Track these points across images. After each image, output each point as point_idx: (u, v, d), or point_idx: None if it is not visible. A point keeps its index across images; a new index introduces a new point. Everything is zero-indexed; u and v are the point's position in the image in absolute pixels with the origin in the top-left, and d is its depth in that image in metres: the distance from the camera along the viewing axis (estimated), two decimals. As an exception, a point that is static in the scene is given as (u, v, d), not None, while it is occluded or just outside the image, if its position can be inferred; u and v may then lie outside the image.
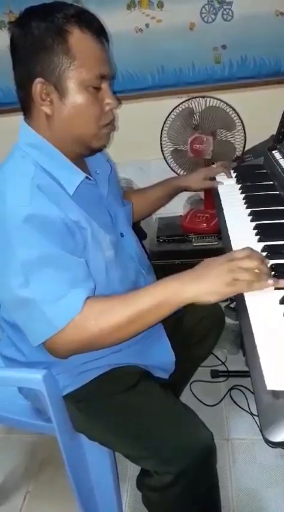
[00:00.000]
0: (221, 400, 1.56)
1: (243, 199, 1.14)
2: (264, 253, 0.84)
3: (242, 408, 1.51)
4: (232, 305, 1.69)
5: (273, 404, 0.54)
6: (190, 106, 1.66)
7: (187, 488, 0.85)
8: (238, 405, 1.52)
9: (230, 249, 0.89)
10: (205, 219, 1.76)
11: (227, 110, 1.62)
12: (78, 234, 0.84)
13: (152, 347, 1.02)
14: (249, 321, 0.68)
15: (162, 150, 1.75)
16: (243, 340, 0.67)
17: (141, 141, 1.84)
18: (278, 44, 1.70)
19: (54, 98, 0.82)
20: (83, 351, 0.84)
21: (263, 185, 1.22)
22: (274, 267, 0.79)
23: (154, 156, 1.82)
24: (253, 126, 1.65)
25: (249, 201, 1.11)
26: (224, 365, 1.68)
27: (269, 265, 0.79)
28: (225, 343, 1.72)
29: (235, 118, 1.62)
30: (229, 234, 0.98)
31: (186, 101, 1.66)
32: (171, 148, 1.74)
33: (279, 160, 1.27)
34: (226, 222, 1.04)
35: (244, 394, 1.55)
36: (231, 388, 1.58)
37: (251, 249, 0.77)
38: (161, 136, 1.72)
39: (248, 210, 1.06)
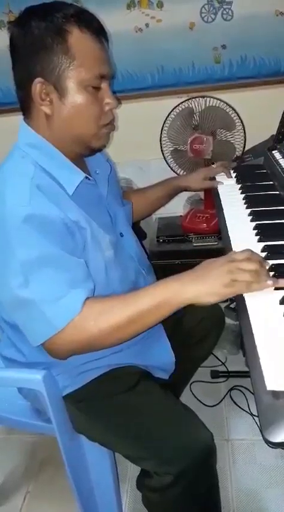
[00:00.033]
0: (221, 400, 1.55)
1: (243, 199, 1.14)
2: (264, 253, 0.84)
3: (242, 409, 1.50)
4: (232, 305, 1.69)
5: (273, 405, 0.54)
6: (190, 106, 1.66)
7: (187, 489, 0.85)
8: (238, 405, 1.52)
9: (230, 249, 0.89)
10: (205, 219, 1.76)
11: (227, 110, 1.62)
12: (78, 234, 0.83)
13: (152, 347, 1.02)
14: (249, 321, 0.68)
15: (161, 150, 1.75)
16: (243, 341, 0.67)
17: (140, 141, 1.84)
18: (278, 44, 1.70)
19: (54, 98, 0.82)
20: (83, 352, 0.84)
21: (263, 185, 1.22)
22: (274, 267, 0.78)
23: (154, 156, 1.82)
24: (253, 126, 1.64)
25: (249, 201, 1.11)
26: (224, 365, 1.68)
27: (269, 265, 0.79)
28: (225, 344, 1.72)
29: (235, 118, 1.62)
30: (229, 234, 0.98)
31: (185, 100, 1.66)
32: (171, 148, 1.74)
33: (279, 160, 1.27)
34: (226, 222, 1.04)
35: (244, 394, 1.55)
36: (231, 389, 1.58)
37: (251, 251, 0.77)
38: (161, 136, 1.72)
39: (248, 210, 1.06)
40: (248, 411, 1.49)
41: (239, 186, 1.23)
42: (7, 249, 0.76)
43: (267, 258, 0.83)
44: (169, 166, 1.77)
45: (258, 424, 1.36)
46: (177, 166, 1.77)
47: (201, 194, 1.86)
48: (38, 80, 0.80)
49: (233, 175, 1.32)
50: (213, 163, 1.42)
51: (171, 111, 1.67)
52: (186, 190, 1.32)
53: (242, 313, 0.71)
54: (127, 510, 1.27)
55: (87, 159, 0.98)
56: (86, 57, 0.81)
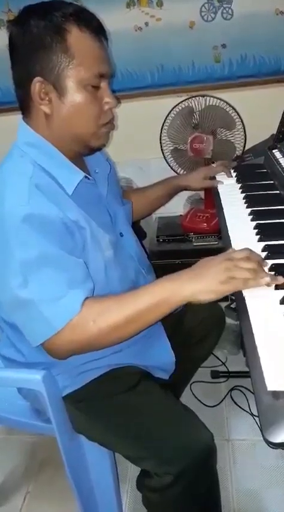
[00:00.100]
0: (222, 400, 1.55)
1: (243, 199, 1.13)
2: (264, 253, 0.84)
3: (242, 409, 1.50)
4: (232, 305, 1.69)
5: (273, 405, 0.54)
6: (190, 105, 1.65)
7: (187, 489, 0.85)
8: (238, 406, 1.52)
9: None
10: (205, 218, 1.76)
11: (227, 109, 1.62)
12: (77, 233, 0.83)
13: (152, 347, 1.02)
14: (249, 321, 0.68)
15: (161, 149, 1.74)
16: (243, 341, 0.67)
17: (140, 140, 1.83)
18: (278, 43, 1.70)
19: (53, 97, 0.81)
20: (82, 352, 0.84)
21: (264, 184, 1.21)
22: (274, 267, 0.78)
23: (154, 155, 1.82)
24: (253, 125, 1.64)
25: (249, 201, 1.11)
26: (225, 365, 1.68)
27: (269, 265, 0.78)
28: (225, 344, 1.72)
29: (235, 117, 1.62)
30: (229, 234, 0.97)
31: (185, 99, 1.65)
32: (171, 148, 1.74)
33: (279, 160, 1.27)
34: (226, 221, 1.04)
35: (244, 394, 1.55)
36: (231, 389, 1.58)
37: (250, 250, 0.77)
38: (161, 136, 1.72)
39: (249, 210, 1.05)
40: (249, 411, 1.48)
41: (240, 185, 1.23)
42: (6, 249, 0.76)
43: (267, 257, 0.82)
44: (169, 166, 1.77)
45: (258, 424, 1.36)
46: (177, 166, 1.77)
47: (201, 193, 1.86)
48: (37, 79, 0.80)
49: (234, 174, 1.32)
50: (213, 163, 1.42)
51: (171, 110, 1.67)
52: (186, 189, 1.31)
53: (242, 313, 0.71)
54: (128, 510, 1.26)
55: (86, 158, 0.98)
56: (85, 56, 0.80)
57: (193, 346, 1.18)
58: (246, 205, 1.09)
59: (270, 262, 0.79)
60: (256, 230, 0.95)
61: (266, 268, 0.77)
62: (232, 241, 0.93)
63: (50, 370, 0.92)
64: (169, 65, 1.77)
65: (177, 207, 1.83)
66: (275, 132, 1.43)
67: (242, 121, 1.63)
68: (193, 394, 1.55)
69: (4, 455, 1.49)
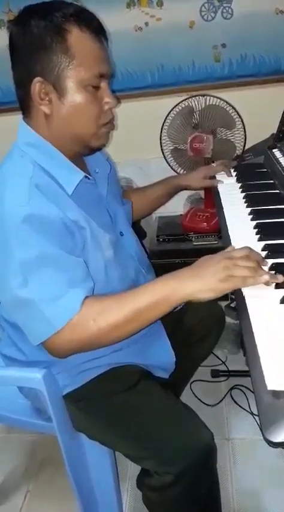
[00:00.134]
0: (222, 399, 1.55)
1: (243, 198, 1.13)
2: (264, 252, 0.84)
3: (242, 408, 1.50)
4: (232, 305, 1.69)
5: (273, 404, 0.54)
6: (190, 105, 1.66)
7: (187, 488, 0.85)
8: (238, 405, 1.52)
9: (230, 248, 0.89)
10: (206, 218, 1.76)
11: (227, 109, 1.62)
12: (77, 233, 0.83)
13: (152, 346, 1.02)
14: (249, 320, 0.68)
15: (161, 149, 1.75)
16: (243, 340, 0.67)
17: (140, 140, 1.84)
18: (278, 42, 1.70)
19: (53, 97, 0.81)
20: (83, 350, 0.84)
21: (264, 184, 1.21)
22: (274, 266, 0.78)
23: (154, 155, 1.82)
24: (253, 125, 1.64)
25: (249, 200, 1.11)
26: (225, 365, 1.68)
27: (269, 264, 0.79)
28: (226, 343, 1.72)
29: (235, 116, 1.62)
30: (230, 233, 0.97)
31: (185, 99, 1.66)
32: (171, 147, 1.74)
33: (279, 159, 1.27)
34: (227, 221, 1.04)
35: (244, 393, 1.55)
36: (232, 388, 1.58)
37: (250, 249, 0.77)
38: (161, 135, 1.72)
39: (249, 209, 1.05)
40: (249, 410, 1.49)
41: (240, 184, 1.23)
42: (6, 249, 0.76)
43: (267, 257, 0.82)
44: (169, 165, 1.77)
45: (259, 423, 1.36)
46: (177, 165, 1.77)
47: (201, 193, 1.86)
48: (37, 79, 0.80)
49: (234, 174, 1.32)
50: (213, 162, 1.42)
51: (171, 110, 1.67)
52: (186, 189, 1.31)
53: (242, 312, 0.71)
54: (128, 509, 1.27)
55: (86, 158, 0.98)
56: (86, 57, 0.80)
57: (193, 345, 1.18)
58: (246, 204, 1.09)
59: (270, 261, 0.79)
60: (256, 229, 0.95)
61: (266, 268, 0.77)
62: (232, 241, 0.93)
63: (50, 369, 0.92)
64: (169, 65, 1.77)
65: (177, 206, 1.83)
66: (275, 132, 1.43)
67: (242, 120, 1.63)
68: (193, 393, 1.56)
69: (4, 454, 1.49)
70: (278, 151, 1.32)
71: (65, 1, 0.82)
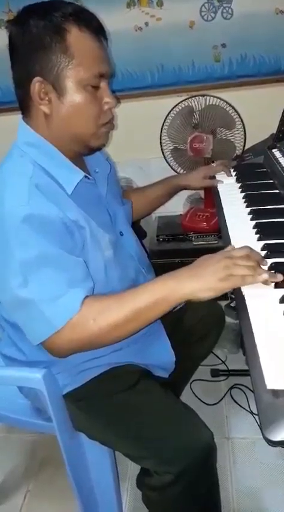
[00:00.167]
0: (222, 399, 1.55)
1: (243, 198, 1.13)
2: (264, 252, 0.84)
3: (242, 407, 1.50)
4: (232, 304, 1.69)
5: (273, 404, 0.54)
6: (190, 105, 1.66)
7: (187, 488, 0.85)
8: (238, 404, 1.52)
9: (230, 248, 0.89)
10: (205, 217, 1.76)
11: (227, 109, 1.62)
12: (77, 233, 0.83)
13: (152, 346, 1.02)
14: (249, 320, 0.68)
15: (161, 149, 1.75)
16: (243, 339, 0.67)
17: (140, 140, 1.84)
18: (278, 42, 1.70)
19: (53, 97, 0.82)
20: (83, 350, 0.84)
21: (263, 184, 1.21)
22: (273, 266, 0.78)
23: (153, 155, 1.82)
24: (253, 125, 1.64)
25: (249, 200, 1.11)
26: (225, 364, 1.68)
27: (269, 263, 0.79)
28: (225, 342, 1.72)
29: (234, 116, 1.62)
30: (229, 233, 0.97)
31: (185, 99, 1.66)
32: (171, 147, 1.74)
33: (279, 159, 1.27)
34: (226, 220, 1.04)
35: (244, 393, 1.55)
36: (231, 387, 1.58)
37: (250, 248, 0.77)
38: (161, 135, 1.72)
39: (248, 209, 1.06)
40: (249, 409, 1.49)
41: (239, 184, 1.23)
42: (6, 249, 0.77)
43: (267, 256, 0.82)
44: (169, 165, 1.77)
45: (258, 422, 1.36)
46: (176, 165, 1.77)
47: (201, 193, 1.86)
48: (37, 79, 0.80)
49: (233, 174, 1.32)
50: (213, 162, 1.42)
51: (171, 110, 1.68)
52: (185, 189, 1.31)
53: (242, 312, 0.71)
54: (128, 508, 1.27)
55: (86, 158, 0.98)
56: (85, 56, 0.80)
57: (193, 345, 1.18)
58: (246, 204, 1.09)
59: (270, 261, 0.80)
60: (256, 229, 0.95)
61: (265, 267, 0.77)
62: (231, 241, 0.93)
63: (50, 368, 0.92)
64: (169, 65, 1.77)
65: (177, 206, 1.84)
66: (275, 132, 1.43)
67: (242, 120, 1.63)
68: (193, 392, 1.56)
69: (4, 454, 1.49)
70: (278, 151, 1.32)
71: (64, 1, 0.82)
